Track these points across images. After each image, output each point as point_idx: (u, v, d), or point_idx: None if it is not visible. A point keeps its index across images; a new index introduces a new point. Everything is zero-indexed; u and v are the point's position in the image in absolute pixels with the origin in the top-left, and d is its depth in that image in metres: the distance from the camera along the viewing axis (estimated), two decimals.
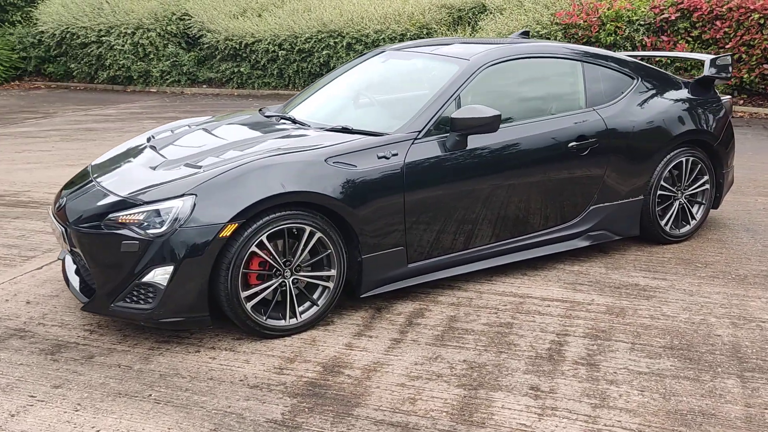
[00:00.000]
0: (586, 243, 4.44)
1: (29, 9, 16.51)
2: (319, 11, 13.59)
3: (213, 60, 14.44)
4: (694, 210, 4.87)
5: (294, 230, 3.44)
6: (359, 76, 4.67)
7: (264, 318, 3.44)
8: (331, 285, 3.59)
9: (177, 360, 3.30)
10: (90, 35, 15.02)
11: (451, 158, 3.82)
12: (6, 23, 16.70)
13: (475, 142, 3.90)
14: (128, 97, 13.98)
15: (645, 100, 4.55)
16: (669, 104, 4.61)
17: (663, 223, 4.69)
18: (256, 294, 3.40)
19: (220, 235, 3.22)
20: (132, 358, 3.32)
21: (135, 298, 3.28)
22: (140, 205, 3.31)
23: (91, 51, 15.15)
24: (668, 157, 4.60)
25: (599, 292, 4.02)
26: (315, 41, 13.31)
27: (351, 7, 13.55)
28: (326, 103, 4.50)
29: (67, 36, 15.34)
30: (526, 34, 5.40)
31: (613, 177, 4.40)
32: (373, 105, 4.33)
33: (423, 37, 12.85)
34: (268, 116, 4.53)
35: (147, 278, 3.24)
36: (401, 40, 12.79)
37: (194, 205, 3.24)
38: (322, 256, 3.55)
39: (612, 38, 11.03)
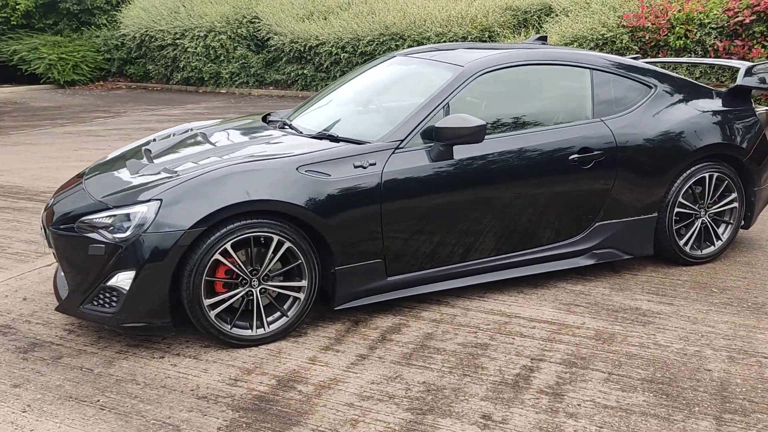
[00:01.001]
0: (590, 261, 4.19)
1: (114, 12, 17.28)
2: (383, 14, 13.57)
3: (279, 62, 14.67)
4: (720, 230, 4.52)
5: (261, 239, 3.38)
6: (364, 82, 4.59)
7: (229, 327, 3.41)
8: (302, 296, 3.52)
9: (139, 365, 3.31)
10: (166, 38, 15.56)
11: (435, 169, 3.68)
12: (93, 26, 17.53)
13: (462, 152, 3.74)
14: (198, 98, 14.39)
15: (662, 111, 4.25)
16: (690, 115, 4.29)
17: (682, 243, 4.37)
18: (220, 302, 3.37)
19: (179, 243, 3.21)
20: (97, 360, 3.36)
21: (101, 302, 3.32)
22: (110, 209, 3.34)
23: (167, 53, 15.71)
24: (688, 172, 4.28)
25: (593, 315, 3.78)
26: (377, 44, 13.30)
27: (414, 10, 13.46)
28: (326, 109, 4.44)
29: (146, 39, 15.97)
30: (543, 39, 5.16)
31: (622, 192, 4.13)
32: (368, 112, 4.24)
33: (484, 40, 12.62)
34: (270, 122, 4.51)
35: (111, 282, 3.27)
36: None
37: (158, 211, 3.24)
38: (293, 266, 3.48)
39: (681, 42, 10.47)
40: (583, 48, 10.91)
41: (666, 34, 10.59)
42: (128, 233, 3.24)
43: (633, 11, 11.10)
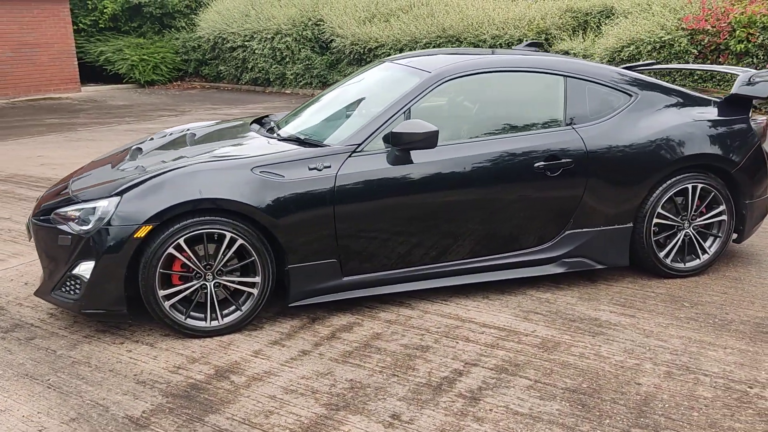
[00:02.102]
0: (560, 269, 4.16)
1: (193, 16, 18.08)
2: (441, 16, 13.62)
3: (341, 64, 14.97)
4: (707, 243, 4.38)
5: (215, 236, 3.58)
6: (350, 87, 4.71)
7: (184, 317, 3.62)
8: (255, 292, 3.70)
9: (98, 349, 3.58)
10: (237, 40, 16.17)
11: (390, 173, 3.77)
12: (173, 29, 18.41)
13: (421, 157, 3.81)
14: (263, 98, 14.89)
15: (641, 120, 4.17)
16: (672, 125, 4.18)
17: (662, 254, 4.27)
18: (175, 294, 3.58)
19: (135, 236, 3.44)
20: (63, 343, 3.65)
21: (67, 289, 3.60)
22: (79, 202, 3.62)
23: (237, 54, 16.32)
24: (669, 182, 4.18)
25: (548, 324, 3.77)
26: (433, 46, 13.35)
27: (473, 12, 13.45)
28: (311, 113, 4.59)
29: (219, 41, 16.64)
30: (536, 46, 5.11)
31: (594, 201, 4.09)
32: (343, 117, 4.35)
33: (540, 43, 12.45)
34: (262, 124, 4.71)
35: (75, 271, 3.55)
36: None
37: (117, 205, 3.49)
38: (247, 262, 3.66)
39: (742, 46, 10.02)
40: (641, 51, 10.62)
41: (726, 38, 10.16)
42: (90, 226, 3.50)
43: (694, 13, 10.69)
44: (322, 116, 4.46)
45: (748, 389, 3.09)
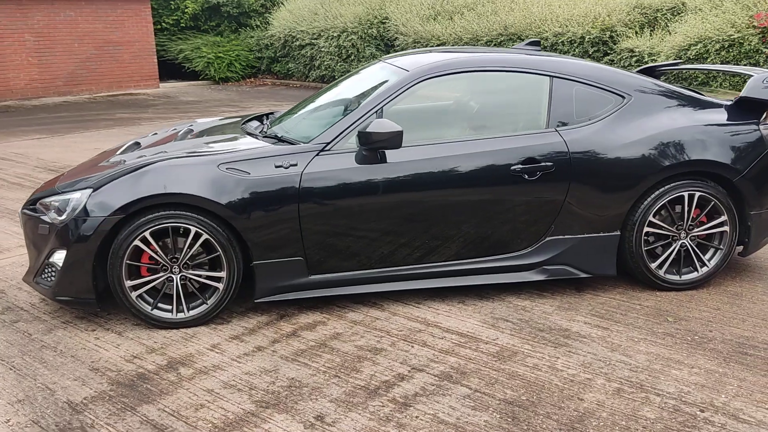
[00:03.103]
0: (541, 277, 4.02)
1: (267, 14, 18.53)
2: (504, 14, 13.37)
3: None
4: (707, 255, 4.12)
5: (181, 230, 3.66)
6: (343, 86, 4.70)
7: (150, 308, 3.73)
8: (220, 286, 3.76)
9: (69, 335, 3.74)
10: (305, 38, 16.46)
11: (358, 173, 3.74)
12: (249, 27, 18.93)
13: (394, 157, 3.77)
14: None
15: (633, 123, 3.97)
16: (667, 128, 3.95)
17: (654, 265, 4.05)
18: (142, 285, 3.70)
19: (101, 227, 3.57)
20: (41, 327, 3.83)
21: (45, 276, 3.79)
22: (59, 193, 3.79)
23: (306, 52, 16.61)
24: (662, 189, 3.96)
25: (514, 332, 3.65)
26: (494, 44, 13.14)
27: (537, 9, 13.13)
28: (304, 111, 4.61)
29: (289, 39, 16.99)
30: (535, 45, 4.93)
31: (577, 207, 3.92)
32: (324, 116, 4.35)
33: (605, 41, 12.03)
34: (263, 121, 4.77)
35: (51, 258, 3.73)
36: (580, 44, 12.12)
37: (89, 198, 3.63)
38: (212, 257, 3.72)
39: None
40: (709, 50, 10.08)
41: None
42: (65, 216, 3.66)
43: (767, 10, 10.04)
44: (307, 114, 4.47)
45: (699, 412, 2.89)
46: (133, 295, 3.70)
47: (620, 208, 3.95)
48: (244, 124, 4.68)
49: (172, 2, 18.99)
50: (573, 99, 3.98)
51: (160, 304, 3.77)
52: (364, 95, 4.05)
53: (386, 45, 15.52)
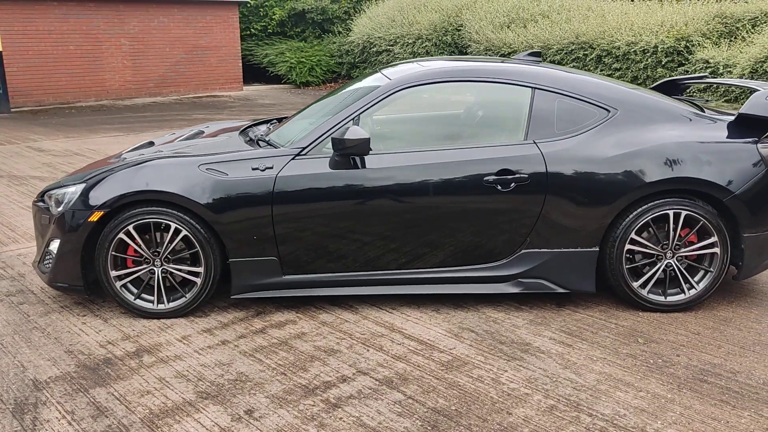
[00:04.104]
0: (515, 289, 3.98)
1: (350, 21, 18.92)
2: (578, 22, 13.09)
3: None
4: (696, 277, 3.95)
5: (162, 225, 3.89)
6: (339, 93, 4.78)
7: (133, 298, 3.97)
8: (198, 281, 3.95)
9: (61, 319, 4.03)
10: (382, 44, 16.70)
11: (330, 178, 3.84)
12: (331, 33, 19.38)
13: (367, 163, 3.85)
14: None
15: (617, 137, 3.86)
16: (653, 144, 3.83)
17: (636, 285, 3.93)
18: (125, 276, 3.94)
19: (89, 220, 3.85)
20: (41, 310, 4.15)
21: (45, 262, 4.10)
22: (60, 187, 4.10)
23: (382, 58, 16.83)
24: (645, 206, 3.84)
25: (474, 343, 3.65)
26: (565, 53, 12.90)
27: (612, 17, 12.77)
28: (302, 116, 4.73)
29: (367, 45, 17.28)
30: (536, 55, 4.84)
31: (553, 221, 3.86)
32: (314, 122, 4.45)
33: (679, 51, 11.56)
34: (268, 124, 4.96)
35: (50, 247, 4.03)
36: (653, 53, 11.71)
37: (81, 192, 3.91)
38: (193, 252, 3.92)
39: None
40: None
41: None
42: (61, 208, 3.96)
43: None
44: (300, 119, 4.60)
45: None
46: (118, 284, 3.95)
47: (598, 223, 3.85)
48: (249, 127, 4.87)
49: (261, 9, 19.71)
50: (554, 111, 3.92)
51: (143, 295, 4.00)
52: (347, 102, 4.13)
53: (460, 52, 15.51)
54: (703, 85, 10.84)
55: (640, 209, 3.83)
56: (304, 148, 3.91)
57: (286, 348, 3.64)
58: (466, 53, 15.22)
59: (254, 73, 19.46)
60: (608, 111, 3.92)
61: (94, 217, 3.85)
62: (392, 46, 16.48)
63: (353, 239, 3.91)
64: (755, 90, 4.03)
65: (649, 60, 11.76)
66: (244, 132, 4.70)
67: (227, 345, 3.69)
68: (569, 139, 3.87)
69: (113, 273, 3.93)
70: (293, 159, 3.89)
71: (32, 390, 3.25)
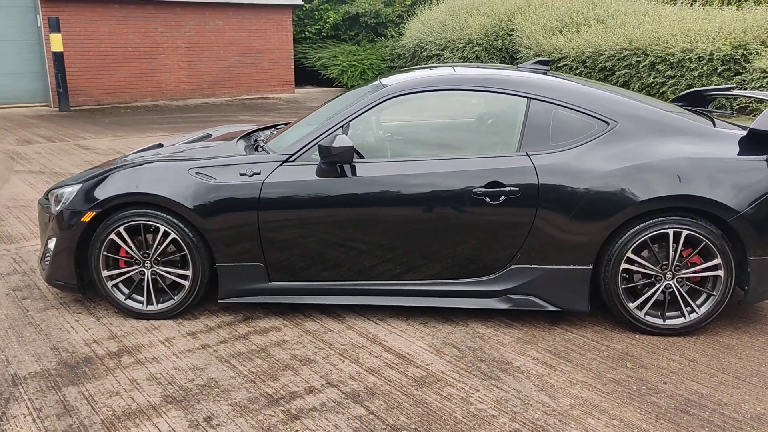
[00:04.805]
0: (504, 305, 3.86)
1: (403, 25, 18.91)
2: (632, 27, 12.70)
3: None
4: (698, 300, 3.74)
5: (152, 227, 3.93)
6: (338, 100, 4.71)
7: (124, 298, 4.03)
8: (186, 284, 3.98)
9: (56, 315, 4.13)
10: (433, 48, 16.62)
11: (317, 185, 3.80)
12: (384, 37, 19.41)
13: (355, 172, 3.80)
14: None
15: (616, 152, 3.70)
16: (652, 159, 3.64)
17: (632, 306, 3.75)
18: (116, 276, 4.01)
19: (81, 220, 3.92)
20: (40, 306, 4.26)
21: (45, 259, 4.20)
22: (61, 187, 4.20)
23: (432, 63, 16.71)
24: (643, 224, 3.66)
25: (453, 360, 3.55)
26: (617, 59, 12.53)
27: (668, 23, 12.35)
28: (297, 124, 4.66)
29: (418, 49, 17.23)
30: (544, 63, 4.67)
31: (545, 235, 3.72)
32: (307, 129, 4.40)
33: (736, 59, 11.07)
34: (273, 128, 4.97)
35: (49, 245, 4.13)
36: (709, 61, 11.25)
37: (76, 192, 3.99)
38: (180, 255, 3.95)
39: None
40: None
41: None
42: (59, 207, 4.05)
43: None
44: (299, 127, 4.56)
45: None
46: (109, 284, 4.01)
47: (592, 240, 3.68)
48: (255, 132, 4.89)
49: (316, 13, 19.90)
50: (550, 122, 3.78)
51: (134, 296, 4.05)
52: (339, 110, 4.08)
53: (511, 58, 15.28)
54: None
55: (637, 227, 3.65)
56: (292, 155, 3.89)
57: (263, 355, 3.62)
58: (516, 59, 14.98)
59: (307, 75, 19.64)
60: (607, 123, 3.75)
61: (87, 217, 3.91)
62: (442, 50, 16.36)
63: (340, 248, 3.86)
64: None
65: (704, 68, 11.31)
66: (247, 137, 4.71)
67: (207, 349, 3.69)
68: (564, 151, 3.73)
69: (105, 273, 3.99)
70: (281, 165, 3.87)
71: (9, 385, 3.32)
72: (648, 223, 3.64)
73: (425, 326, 3.94)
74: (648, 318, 3.76)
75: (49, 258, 4.13)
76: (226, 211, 3.84)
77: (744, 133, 3.79)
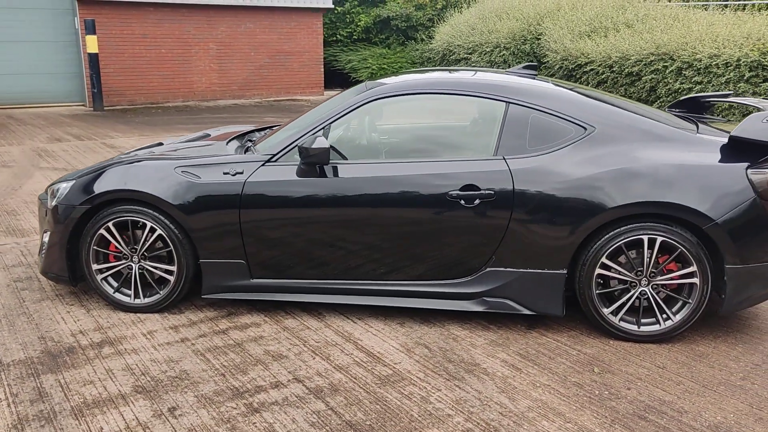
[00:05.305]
0: (479, 308, 3.88)
1: (433, 29, 18.95)
2: (660, 32, 12.52)
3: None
4: (674, 308, 3.72)
5: (139, 223, 4.06)
6: (327, 103, 4.76)
7: (112, 291, 4.17)
8: (171, 279, 4.10)
9: (50, 306, 4.29)
10: (461, 52, 16.61)
11: (297, 185, 3.88)
12: (414, 41, 19.48)
13: (334, 173, 3.88)
14: None
15: (589, 156, 3.70)
16: (628, 165, 3.63)
17: (606, 311, 3.74)
18: (105, 270, 4.15)
19: (72, 215, 4.07)
20: (37, 297, 4.43)
21: (41, 252, 4.37)
22: (59, 182, 4.36)
23: (461, 66, 16.71)
24: (617, 230, 3.65)
25: (422, 360, 3.59)
26: (643, 64, 12.36)
27: (697, 27, 12.15)
28: (287, 125, 4.74)
29: (447, 53, 17.24)
30: (531, 68, 4.66)
31: (519, 239, 3.74)
32: (292, 129, 4.48)
33: (764, 65, 10.83)
34: (269, 129, 5.07)
35: (44, 238, 4.30)
36: (736, 67, 11.03)
37: (69, 188, 4.15)
38: (167, 251, 4.08)
39: None
40: None
41: None
42: (54, 202, 4.21)
43: None
44: (287, 128, 4.65)
45: None
46: (99, 277, 4.15)
47: (566, 245, 3.69)
48: (251, 132, 5.00)
49: (347, 16, 20.06)
50: (528, 127, 3.79)
51: (122, 289, 4.19)
52: (322, 112, 4.16)
53: (539, 62, 15.18)
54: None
55: (611, 233, 3.65)
56: (274, 155, 3.98)
57: (238, 350, 3.71)
58: (543, 63, 14.88)
59: (338, 78, 19.80)
60: (585, 129, 3.76)
61: (77, 212, 4.06)
62: (470, 54, 16.34)
63: (320, 248, 3.93)
64: None
65: (731, 74, 11.10)
66: (241, 137, 4.82)
67: (185, 343, 3.80)
68: (541, 156, 3.74)
69: (95, 266, 4.13)
70: (263, 165, 3.96)
71: None
72: (622, 228, 3.63)
73: (402, 326, 3.99)
74: (622, 324, 3.75)
75: (44, 250, 4.29)
76: (209, 209, 3.95)
77: (725, 140, 3.75)
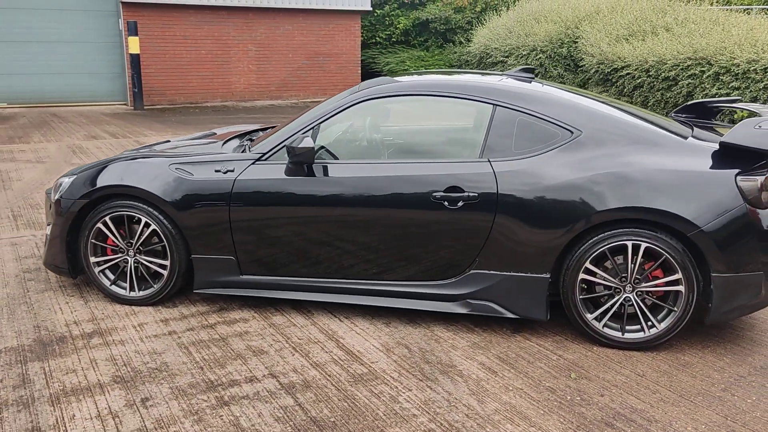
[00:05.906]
0: (462, 310, 3.87)
1: (472, 31, 18.88)
2: (699, 36, 12.23)
3: (588, 84, 14.33)
4: (659, 315, 3.65)
5: (135, 218, 4.17)
6: (327, 102, 4.81)
7: (109, 284, 4.29)
8: (165, 273, 4.20)
9: (51, 297, 4.43)
10: (497, 55, 16.51)
11: (284, 184, 3.94)
12: (452, 43, 19.44)
13: (319, 172, 3.92)
14: None
15: (574, 160, 3.65)
16: (614, 170, 3.57)
17: (590, 317, 3.69)
18: (103, 262, 4.27)
19: (72, 209, 4.20)
20: (41, 287, 4.58)
21: (45, 245, 4.52)
22: (64, 177, 4.51)
23: (497, 69, 16.61)
24: (601, 235, 3.60)
25: (400, 360, 3.60)
26: (680, 69, 12.09)
27: (737, 31, 11.83)
28: (287, 124, 4.80)
29: (484, 55, 17.16)
30: (529, 71, 4.60)
31: (503, 242, 3.72)
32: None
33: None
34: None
35: (47, 231, 4.45)
36: None
37: (70, 183, 4.29)
38: (161, 246, 4.18)
39: None
40: None
41: None
42: (57, 195, 4.35)
43: None
44: (283, 127, 4.71)
45: None
46: (96, 270, 4.28)
47: (549, 249, 3.65)
48: (253, 132, 5.08)
49: (387, 18, 20.13)
50: (514, 130, 3.77)
51: (119, 282, 4.30)
52: (313, 111, 4.20)
53: (575, 66, 14.99)
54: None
55: (595, 237, 3.60)
56: (264, 154, 4.04)
57: (221, 344, 3.78)
58: (579, 67, 14.68)
59: None
60: (571, 132, 3.71)
61: (76, 206, 4.19)
62: (507, 57, 16.21)
63: (306, 246, 3.97)
64: None
65: None
66: (242, 136, 4.90)
67: (172, 336, 3.88)
68: (524, 159, 3.71)
69: (93, 259, 4.26)
70: (253, 164, 4.02)
71: None
72: (606, 234, 3.58)
73: (387, 326, 4.00)
74: (606, 330, 3.69)
75: (47, 243, 4.44)
76: (201, 205, 4.03)
77: (717, 146, 3.66)
